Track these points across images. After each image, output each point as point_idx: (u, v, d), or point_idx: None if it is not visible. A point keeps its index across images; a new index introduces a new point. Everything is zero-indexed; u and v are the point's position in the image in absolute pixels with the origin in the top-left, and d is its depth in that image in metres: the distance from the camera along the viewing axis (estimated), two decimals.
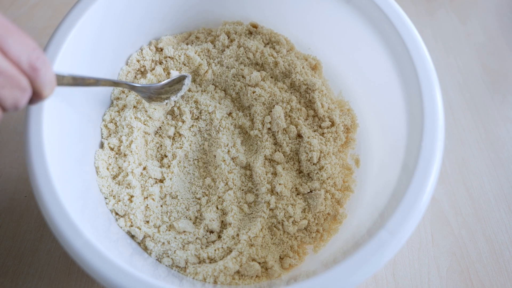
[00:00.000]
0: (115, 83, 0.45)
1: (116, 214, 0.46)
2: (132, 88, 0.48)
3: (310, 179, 0.51)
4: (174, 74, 0.52)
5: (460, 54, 0.73)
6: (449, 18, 0.77)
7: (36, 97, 0.32)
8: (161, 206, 0.49)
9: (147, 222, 0.47)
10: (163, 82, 0.50)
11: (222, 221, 0.49)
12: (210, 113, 0.54)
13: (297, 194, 0.51)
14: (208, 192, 0.51)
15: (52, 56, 0.41)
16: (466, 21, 0.77)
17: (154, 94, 0.49)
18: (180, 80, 0.52)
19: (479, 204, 0.58)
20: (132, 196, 0.47)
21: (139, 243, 0.46)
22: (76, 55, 0.44)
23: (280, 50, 0.56)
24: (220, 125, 0.53)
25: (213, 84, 0.57)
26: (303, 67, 0.55)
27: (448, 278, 0.53)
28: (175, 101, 0.53)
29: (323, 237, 0.49)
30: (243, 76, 0.55)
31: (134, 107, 0.51)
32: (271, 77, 0.56)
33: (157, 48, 0.56)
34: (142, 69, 0.55)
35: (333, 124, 0.53)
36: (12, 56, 0.29)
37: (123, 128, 0.50)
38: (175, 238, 0.47)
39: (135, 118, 0.50)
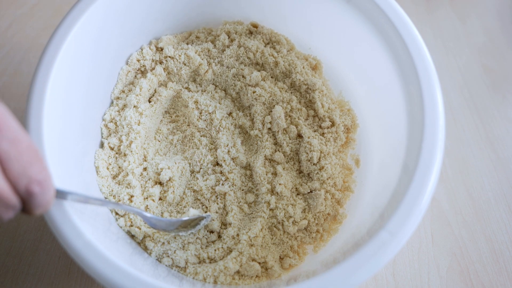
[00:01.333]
0: (122, 207, 0.42)
1: (116, 214, 0.46)
2: (142, 216, 0.44)
3: (310, 179, 0.51)
4: (193, 212, 0.47)
5: (460, 54, 0.73)
6: (449, 18, 0.77)
7: (25, 213, 0.31)
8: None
9: None
10: (177, 220, 0.45)
11: (222, 221, 0.49)
12: (210, 113, 0.54)
13: (297, 194, 0.51)
14: None
15: (52, 56, 0.41)
16: (466, 21, 0.77)
17: (163, 227, 0.45)
18: (196, 221, 0.46)
19: (479, 204, 0.58)
20: (132, 196, 0.47)
21: (139, 243, 0.46)
22: (76, 55, 0.44)
23: (280, 50, 0.56)
24: (220, 125, 0.53)
25: (213, 84, 0.57)
26: (303, 67, 0.55)
27: (448, 278, 0.53)
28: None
29: (323, 237, 0.49)
30: (243, 76, 0.55)
31: (134, 106, 0.51)
32: (272, 77, 0.56)
33: (157, 48, 0.56)
34: (142, 69, 0.55)
35: (333, 124, 0.53)
36: (11, 176, 0.28)
37: (123, 127, 0.50)
38: (175, 238, 0.47)
39: (135, 122, 0.51)
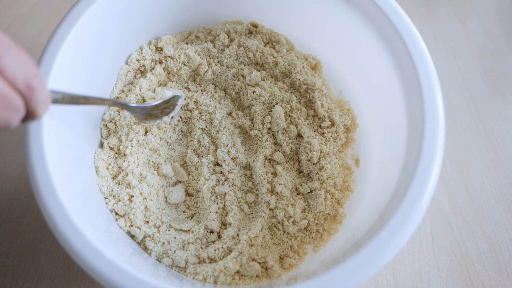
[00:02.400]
0: (109, 102, 0.45)
1: (116, 214, 0.46)
2: (127, 108, 0.47)
3: (310, 179, 0.51)
4: (168, 94, 0.51)
5: (460, 54, 0.73)
6: (449, 17, 0.77)
7: (29, 116, 0.31)
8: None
9: (147, 222, 0.47)
10: (156, 103, 0.50)
11: (222, 221, 0.49)
12: (210, 113, 0.54)
13: (297, 194, 0.51)
14: None
15: (52, 56, 0.41)
16: (466, 21, 0.77)
17: (147, 114, 0.49)
18: (173, 100, 0.51)
19: (479, 204, 0.58)
20: (132, 196, 0.47)
21: (139, 243, 0.46)
22: (76, 54, 0.44)
23: (280, 49, 0.56)
24: (220, 125, 0.53)
25: (213, 84, 0.57)
26: (303, 67, 0.55)
27: (448, 278, 0.53)
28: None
29: (323, 237, 0.49)
30: (243, 76, 0.55)
31: None
32: (271, 77, 0.56)
33: (157, 48, 0.56)
34: (142, 69, 0.55)
35: (333, 124, 0.53)
36: (8, 75, 0.28)
37: (123, 127, 0.50)
38: (175, 238, 0.47)
39: (134, 123, 0.51)
